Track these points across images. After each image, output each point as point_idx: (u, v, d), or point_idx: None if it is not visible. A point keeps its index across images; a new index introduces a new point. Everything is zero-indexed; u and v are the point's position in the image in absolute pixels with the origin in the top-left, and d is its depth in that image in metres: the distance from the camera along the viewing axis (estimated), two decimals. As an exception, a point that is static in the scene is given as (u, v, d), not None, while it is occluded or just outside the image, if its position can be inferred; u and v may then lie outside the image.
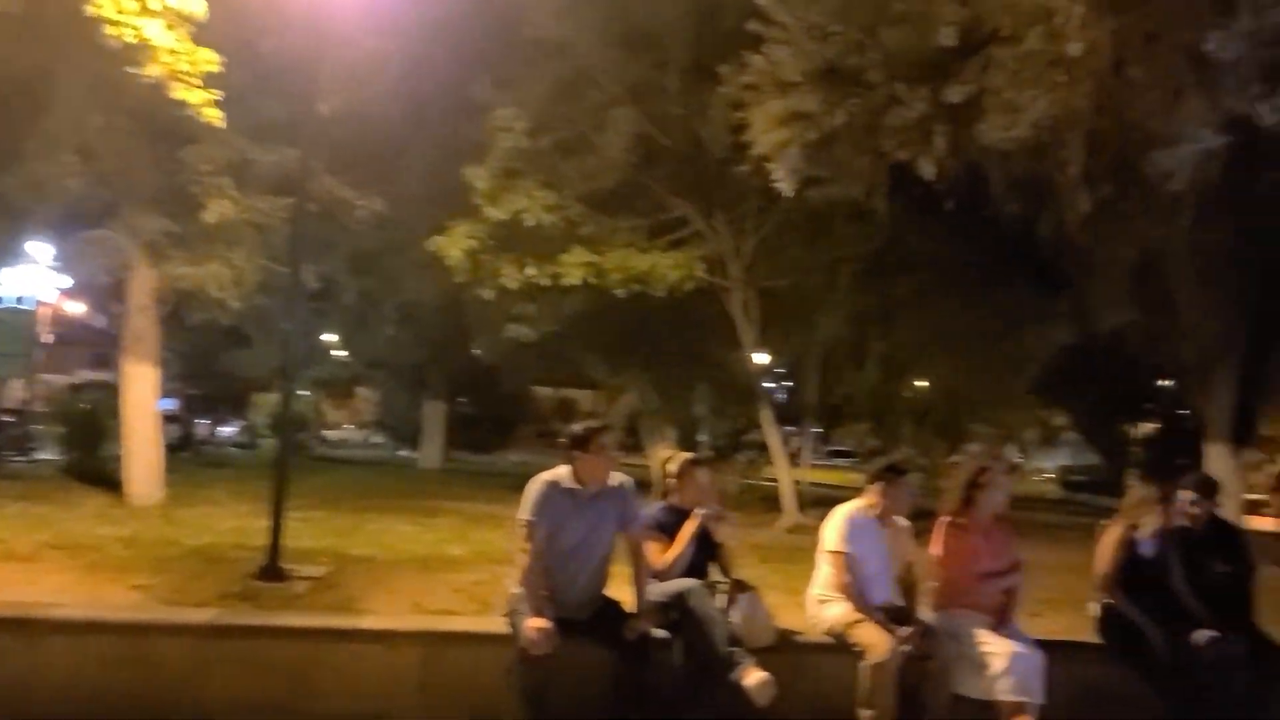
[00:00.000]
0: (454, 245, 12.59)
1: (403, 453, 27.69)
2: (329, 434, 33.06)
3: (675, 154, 12.69)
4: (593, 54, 12.12)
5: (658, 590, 5.01)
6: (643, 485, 5.52)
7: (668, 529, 5.27)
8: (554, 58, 12.22)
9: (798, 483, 15.03)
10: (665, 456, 5.78)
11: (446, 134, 12.92)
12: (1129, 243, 11.10)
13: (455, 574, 7.18)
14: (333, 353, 27.48)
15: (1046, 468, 37.64)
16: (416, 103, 12.33)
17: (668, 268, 12.56)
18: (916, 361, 18.20)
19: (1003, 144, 7.80)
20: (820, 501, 5.85)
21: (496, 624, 4.91)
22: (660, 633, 4.89)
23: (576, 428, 5.00)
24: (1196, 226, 10.36)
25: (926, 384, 20.72)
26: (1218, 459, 11.81)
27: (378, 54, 10.59)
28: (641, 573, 4.99)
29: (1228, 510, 7.41)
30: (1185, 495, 5.62)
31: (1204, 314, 11.89)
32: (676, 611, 4.95)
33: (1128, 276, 11.95)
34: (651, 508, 5.40)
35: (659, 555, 5.18)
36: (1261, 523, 18.04)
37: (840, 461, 29.40)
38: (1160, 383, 21.04)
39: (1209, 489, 5.74)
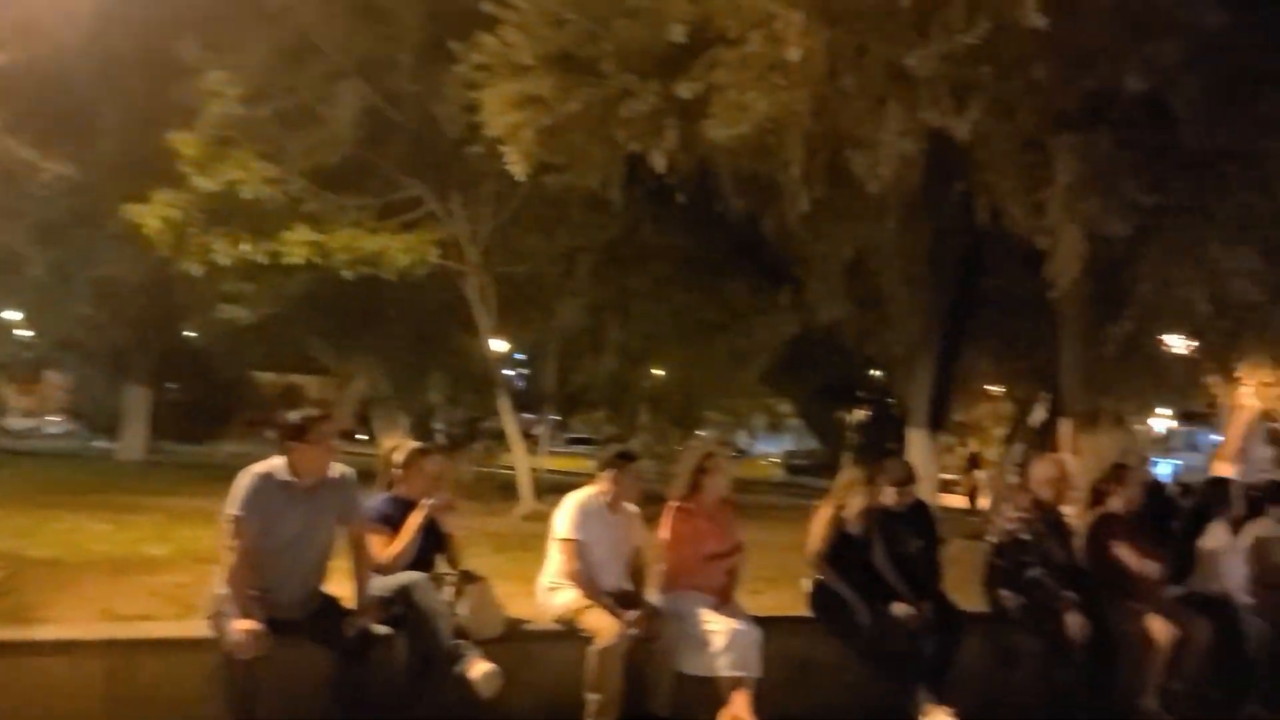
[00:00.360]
0: (153, 214, 11.52)
1: (99, 443, 25.20)
2: (12, 423, 29.56)
3: (408, 132, 12.24)
4: (316, 22, 11.46)
5: (380, 585, 4.82)
6: (372, 475, 5.33)
7: (392, 521, 5.08)
8: (273, 22, 11.44)
9: (535, 470, 15.03)
10: (391, 446, 5.55)
11: (150, 95, 11.81)
12: (843, 241, 11.90)
13: (154, 575, 6.58)
14: (15, 332, 24.56)
15: (772, 452, 39.91)
16: (114, 59, 11.17)
17: (399, 251, 12.10)
18: (653, 350, 18.66)
19: (728, 141, 8.08)
20: (558, 489, 5.90)
21: (200, 628, 4.53)
22: (382, 629, 4.71)
23: (293, 416, 4.73)
24: (901, 229, 11.28)
25: (663, 372, 21.30)
26: (917, 443, 12.90)
27: (67, 2, 9.49)
28: (363, 567, 4.78)
29: (923, 490, 8.09)
30: (888, 488, 6.07)
31: (908, 310, 12.95)
32: (400, 606, 4.78)
33: (843, 273, 12.80)
34: (375, 499, 5.19)
35: (383, 549, 4.99)
36: (953, 500, 20.07)
37: (579, 449, 29.73)
38: (872, 372, 22.73)
39: (907, 475, 6.26)
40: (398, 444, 5.54)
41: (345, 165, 12.26)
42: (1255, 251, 8.25)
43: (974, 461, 25.30)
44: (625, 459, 5.54)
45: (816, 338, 16.62)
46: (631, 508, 5.53)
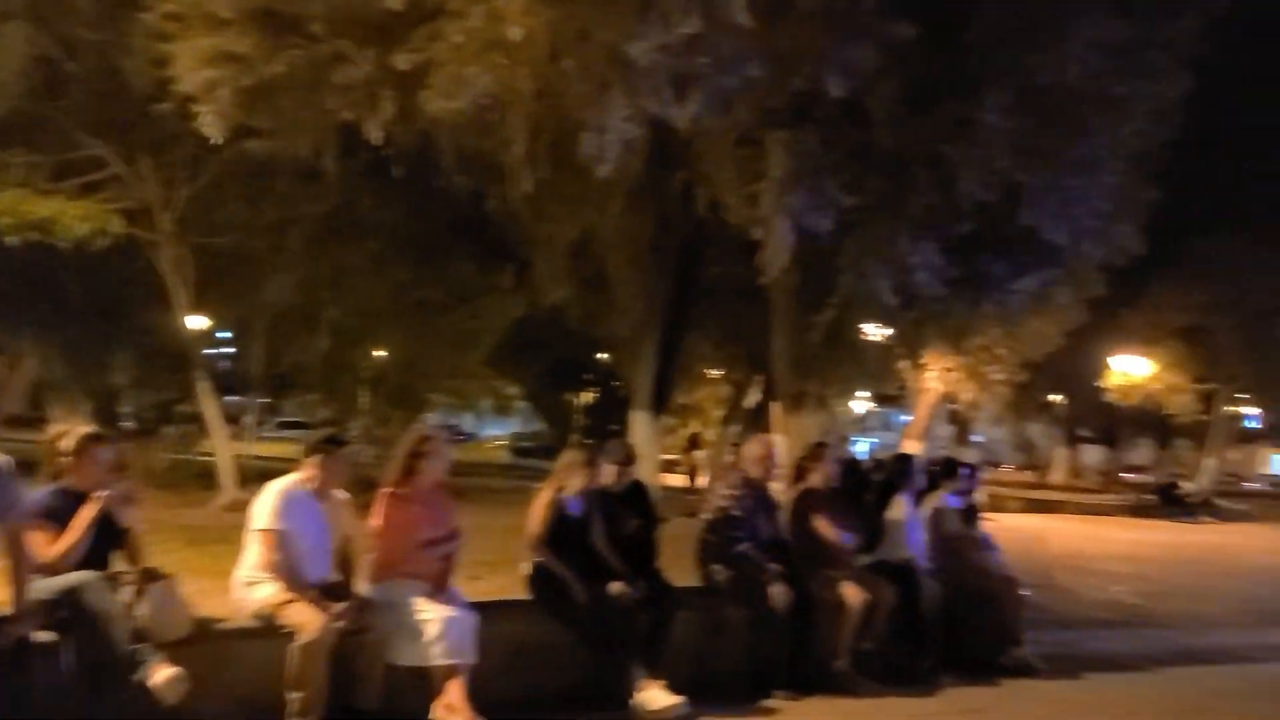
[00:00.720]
0: None
1: None
2: None
3: (87, 84, 10.94)
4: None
5: (43, 587, 4.35)
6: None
7: (59, 516, 4.58)
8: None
9: (241, 457, 14.08)
10: (57, 432, 4.96)
11: None
12: (568, 223, 11.91)
13: None
14: None
15: (499, 435, 39.65)
16: None
17: (75, 217, 10.81)
18: (372, 330, 17.95)
19: (447, 116, 7.84)
20: (266, 476, 5.52)
21: None
22: (44, 635, 4.28)
23: (-68, 399, 4.10)
24: (625, 214, 11.45)
25: (384, 353, 20.54)
26: (640, 424, 13.18)
27: None
28: (21, 568, 4.28)
29: (646, 470, 8.24)
30: (608, 467, 6.12)
31: (632, 294, 13.17)
32: (67, 609, 4.34)
33: (568, 255, 12.83)
34: (39, 492, 4.66)
35: (46, 546, 4.49)
36: (674, 480, 20.81)
37: (292, 433, 28.20)
38: (598, 355, 23.04)
39: (628, 456, 6.37)
40: (65, 430, 4.98)
41: (11, 119, 10.79)
42: (937, 248, 8.99)
43: (694, 442, 26.23)
44: (332, 444, 5.30)
45: (543, 320, 16.56)
46: (341, 495, 5.29)
